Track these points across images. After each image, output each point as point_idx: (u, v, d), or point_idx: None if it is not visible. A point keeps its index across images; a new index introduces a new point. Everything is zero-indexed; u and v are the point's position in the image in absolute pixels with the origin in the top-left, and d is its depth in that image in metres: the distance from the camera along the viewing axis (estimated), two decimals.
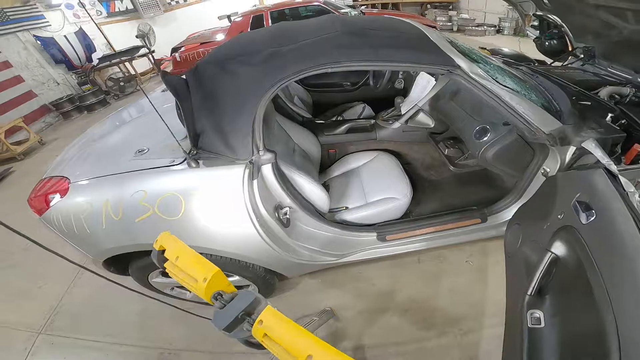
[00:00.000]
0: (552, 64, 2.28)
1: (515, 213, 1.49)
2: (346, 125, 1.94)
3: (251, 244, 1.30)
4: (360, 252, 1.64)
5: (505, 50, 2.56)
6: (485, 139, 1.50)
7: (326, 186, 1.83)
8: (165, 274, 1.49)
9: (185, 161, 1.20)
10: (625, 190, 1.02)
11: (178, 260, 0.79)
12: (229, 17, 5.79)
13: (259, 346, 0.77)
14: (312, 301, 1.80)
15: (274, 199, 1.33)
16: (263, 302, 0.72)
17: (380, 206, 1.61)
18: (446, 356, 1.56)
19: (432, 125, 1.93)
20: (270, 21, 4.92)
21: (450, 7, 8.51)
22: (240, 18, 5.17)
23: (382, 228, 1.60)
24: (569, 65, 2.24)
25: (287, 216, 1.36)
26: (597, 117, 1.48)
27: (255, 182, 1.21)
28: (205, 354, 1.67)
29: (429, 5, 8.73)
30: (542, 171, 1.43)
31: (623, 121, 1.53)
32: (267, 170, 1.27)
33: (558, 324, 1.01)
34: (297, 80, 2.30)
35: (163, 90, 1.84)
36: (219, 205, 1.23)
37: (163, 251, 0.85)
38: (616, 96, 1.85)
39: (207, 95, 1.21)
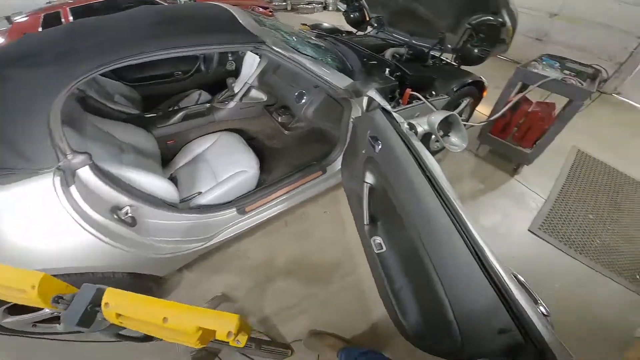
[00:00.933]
0: (357, 34, 2.75)
1: (342, 159, 1.77)
2: (180, 114, 1.90)
3: (96, 252, 1.17)
4: (226, 230, 1.67)
5: (325, 25, 2.93)
6: (303, 101, 1.72)
7: (174, 178, 1.76)
8: (12, 311, 1.25)
9: None
10: (397, 122, 1.33)
11: None
12: (7, 18, 4.67)
13: (141, 338, 0.78)
14: (200, 293, 1.75)
15: (106, 201, 1.21)
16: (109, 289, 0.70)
17: (232, 182, 1.66)
18: (340, 300, 1.76)
19: (265, 99, 2.08)
20: (71, 18, 4.15)
21: None
22: (26, 18, 4.22)
23: (239, 202, 1.66)
24: (369, 34, 2.75)
25: (130, 215, 1.26)
26: (379, 72, 1.88)
27: (73, 188, 1.07)
28: None
29: None
30: (352, 120, 1.73)
31: (398, 73, 2.00)
32: (86, 173, 1.13)
33: (392, 244, 1.26)
34: (115, 77, 2.12)
35: None
36: (34, 222, 1.04)
37: None
38: (397, 55, 2.38)
39: None
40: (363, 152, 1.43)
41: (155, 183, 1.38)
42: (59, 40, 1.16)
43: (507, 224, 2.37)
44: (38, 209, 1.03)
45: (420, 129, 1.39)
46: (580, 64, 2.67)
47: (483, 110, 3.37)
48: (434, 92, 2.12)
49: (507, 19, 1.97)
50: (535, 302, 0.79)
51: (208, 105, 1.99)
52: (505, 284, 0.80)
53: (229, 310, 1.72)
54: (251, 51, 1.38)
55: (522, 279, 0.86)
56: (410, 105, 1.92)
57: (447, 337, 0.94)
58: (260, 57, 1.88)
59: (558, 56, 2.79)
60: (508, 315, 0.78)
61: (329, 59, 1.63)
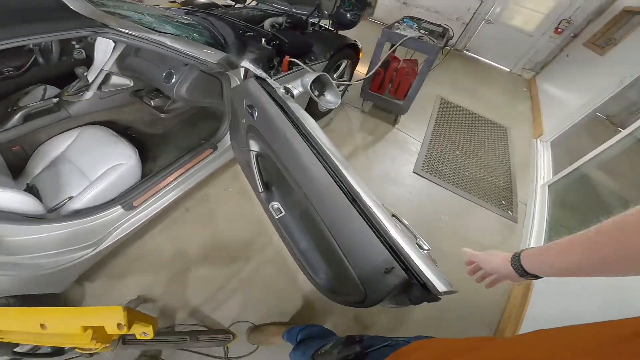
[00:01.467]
0: (236, 6, 2.62)
1: (229, 132, 1.73)
2: (20, 114, 1.56)
3: None
4: (116, 230, 1.50)
5: (200, 0, 2.70)
6: (173, 81, 1.59)
7: (32, 187, 1.48)
8: None
9: None
10: (273, 88, 1.34)
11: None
12: None
13: (50, 354, 0.76)
14: (111, 301, 1.56)
15: None
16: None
17: (108, 178, 1.47)
18: (264, 273, 1.78)
19: (132, 84, 1.86)
20: None
21: None
22: None
23: (123, 198, 1.49)
24: (247, 6, 2.65)
25: None
26: (255, 43, 1.85)
27: None
28: None
29: None
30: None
31: (276, 42, 2.00)
32: None
33: (289, 206, 1.30)
34: None
35: None
36: None
37: None
38: (275, 25, 2.37)
39: None
40: (243, 121, 1.43)
41: (5, 198, 1.14)
42: None
43: (395, 169, 2.72)
44: None
45: (295, 92, 1.44)
46: (433, 24, 3.10)
47: (362, 70, 3.67)
48: (312, 58, 2.20)
49: None
50: (415, 238, 0.90)
51: (56, 100, 1.67)
52: (383, 225, 0.87)
53: (150, 311, 1.61)
54: (91, 36, 1.19)
55: (404, 221, 0.95)
56: (291, 71, 1.96)
57: (352, 288, 0.97)
58: (115, 42, 1.64)
59: (416, 18, 3.17)
60: (390, 255, 0.84)
61: (195, 35, 1.53)
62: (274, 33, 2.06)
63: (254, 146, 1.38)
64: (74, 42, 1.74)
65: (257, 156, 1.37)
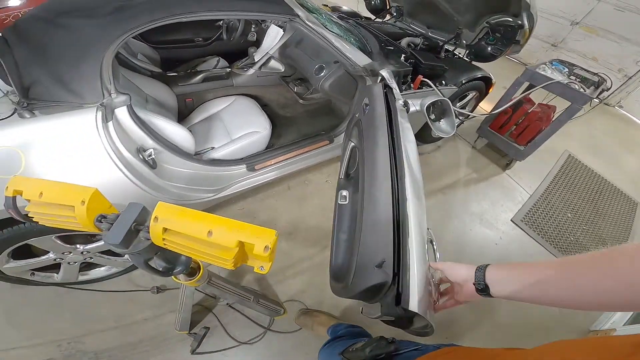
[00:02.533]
0: (375, 20, 2.78)
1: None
2: (201, 75, 1.98)
3: (119, 188, 1.24)
4: (235, 184, 1.77)
5: (344, 8, 2.96)
6: (322, 74, 1.80)
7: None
8: (17, 257, 1.34)
9: (15, 113, 1.04)
10: (394, 97, 1.42)
11: (43, 195, 0.67)
12: None
13: (162, 272, 0.76)
14: None
15: (133, 141, 1.30)
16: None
17: (244, 140, 1.75)
18: None
19: (283, 70, 2.16)
20: None
21: None
22: None
23: (250, 159, 1.77)
24: (386, 21, 2.78)
25: (153, 157, 1.35)
26: (395, 57, 1.95)
27: (110, 124, 1.16)
28: (110, 331, 1.54)
29: None
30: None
31: (412, 60, 2.06)
32: (122, 113, 1.22)
33: (353, 198, 1.35)
34: (140, 37, 2.17)
35: None
36: (72, 152, 1.12)
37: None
38: (412, 44, 2.43)
39: (36, 48, 1.09)
40: (357, 115, 1.53)
41: (176, 131, 1.46)
42: None
43: (492, 212, 2.50)
44: (78, 138, 1.12)
45: (412, 108, 1.47)
46: (587, 71, 2.72)
47: (485, 106, 3.44)
48: (444, 82, 2.18)
49: (526, 22, 2.02)
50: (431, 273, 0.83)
51: (228, 70, 2.07)
52: (408, 235, 0.87)
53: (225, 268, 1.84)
54: (285, 22, 1.45)
55: (437, 254, 0.90)
56: (420, 90, 1.99)
57: (347, 274, 1.00)
58: (284, 30, 1.94)
59: (568, 62, 2.83)
60: (392, 254, 0.86)
61: (352, 39, 1.70)
62: (412, 52, 2.11)
63: (354, 138, 1.47)
64: (253, 26, 2.11)
65: (353, 148, 1.46)
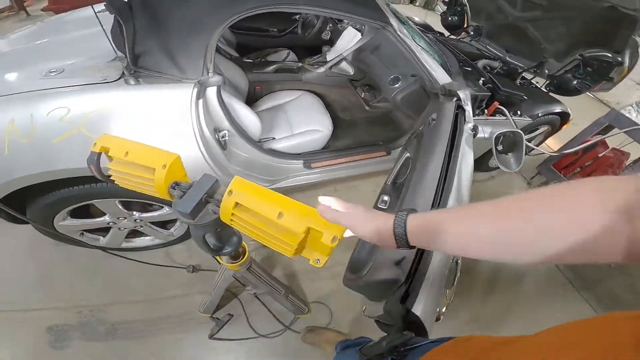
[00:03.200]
0: (449, 37, 2.66)
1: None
2: (275, 66, 1.99)
3: (191, 162, 1.25)
4: (291, 178, 1.76)
5: (416, 19, 2.86)
6: (397, 85, 1.74)
7: None
8: (75, 215, 1.41)
9: (122, 79, 1.10)
10: (464, 119, 1.36)
11: (128, 155, 0.68)
12: None
13: (213, 249, 0.77)
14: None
15: (212, 121, 1.32)
16: (222, 185, 0.68)
17: (305, 137, 1.74)
18: None
19: (352, 73, 2.12)
20: None
21: None
22: None
23: (307, 156, 1.75)
24: (461, 39, 2.65)
25: (225, 138, 1.37)
26: (474, 80, 1.84)
27: (200, 102, 1.19)
28: (136, 303, 1.56)
29: None
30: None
31: (490, 85, 1.94)
32: (211, 92, 1.25)
33: (391, 205, 1.31)
34: None
35: (99, 12, 1.56)
36: (163, 122, 1.15)
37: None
38: (488, 67, 2.30)
39: (154, 17, 1.15)
40: (421, 128, 1.48)
41: (248, 116, 1.47)
42: None
43: None
44: (172, 111, 1.15)
45: (480, 135, 1.38)
46: None
47: (550, 142, 3.18)
48: (518, 112, 2.03)
49: (627, 60, 1.82)
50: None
51: (299, 65, 2.06)
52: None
53: (261, 256, 1.80)
54: (377, 28, 1.42)
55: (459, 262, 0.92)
56: (493, 117, 1.87)
57: (363, 269, 0.97)
58: (362, 34, 1.90)
59: None
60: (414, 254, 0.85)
61: (435, 55, 1.62)
62: (491, 76, 1.98)
63: (411, 149, 1.42)
64: (330, 25, 2.10)
65: (407, 158, 1.40)
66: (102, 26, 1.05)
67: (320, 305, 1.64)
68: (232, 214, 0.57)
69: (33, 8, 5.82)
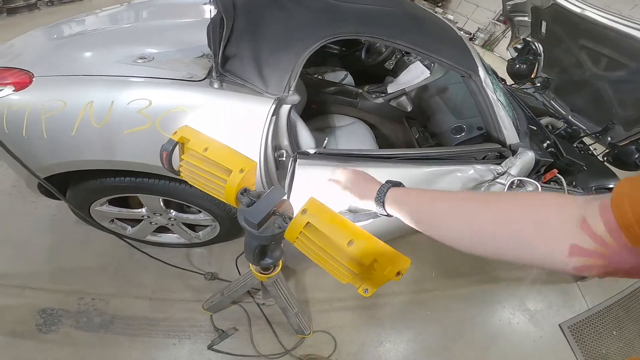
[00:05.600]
0: (512, 85, 2.45)
1: None
2: (335, 87, 1.87)
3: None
4: None
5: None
6: (459, 136, 1.61)
7: None
8: (112, 203, 1.36)
9: (207, 79, 1.04)
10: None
11: (207, 151, 0.66)
12: None
13: (257, 258, 0.73)
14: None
15: (275, 139, 1.23)
16: (289, 202, 0.67)
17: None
18: (379, 312, 1.73)
19: (409, 110, 1.98)
20: None
21: (440, 4, 8.13)
22: None
23: None
24: (524, 89, 2.44)
25: (282, 158, 1.27)
26: (539, 143, 1.68)
27: (274, 118, 1.11)
28: (142, 299, 1.49)
29: None
30: None
31: (552, 150, 1.77)
32: (284, 110, 1.16)
33: None
34: None
35: (205, 4, 1.50)
36: (235, 132, 1.09)
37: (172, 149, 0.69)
38: (550, 126, 2.10)
39: (253, 21, 1.06)
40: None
41: (306, 138, 1.36)
42: None
43: (546, 314, 2.22)
44: (247, 122, 1.07)
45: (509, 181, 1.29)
46: None
47: None
48: (574, 182, 1.85)
49: None
50: None
51: (359, 91, 1.94)
52: None
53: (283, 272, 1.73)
54: (462, 76, 1.28)
55: None
56: (548, 185, 1.71)
57: None
58: (430, 72, 1.75)
59: None
60: None
61: (510, 112, 1.47)
62: (555, 141, 1.81)
63: None
64: (397, 55, 1.95)
65: None
66: (211, 20, 1.00)
67: (326, 335, 1.58)
68: (301, 232, 0.56)
69: None
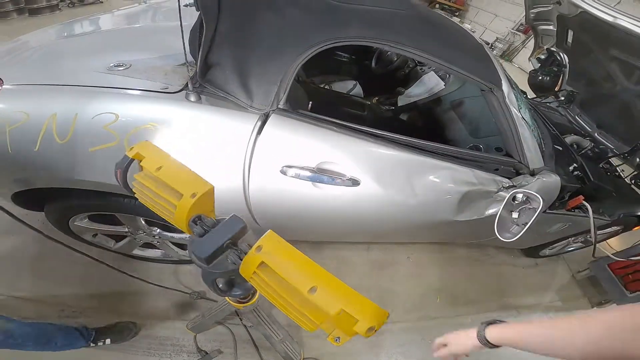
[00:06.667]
0: (533, 99, 2.25)
1: None
2: (342, 98, 1.72)
3: (225, 198, 1.02)
4: None
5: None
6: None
7: None
8: (93, 219, 1.25)
9: (183, 91, 0.91)
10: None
11: (160, 170, 0.58)
12: None
13: (221, 290, 0.65)
14: None
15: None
16: (251, 233, 0.57)
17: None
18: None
19: (420, 125, 1.81)
20: None
21: (457, 13, 7.97)
22: None
23: None
24: (547, 103, 2.23)
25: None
26: (565, 166, 1.49)
27: (259, 137, 0.95)
28: (125, 316, 1.40)
29: (437, 5, 8.02)
30: None
31: (579, 173, 1.58)
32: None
33: None
34: None
35: (186, 5, 1.38)
36: (213, 153, 0.95)
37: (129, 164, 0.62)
38: (575, 145, 1.90)
39: (239, 24, 0.92)
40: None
41: None
42: None
43: None
44: (225, 141, 0.94)
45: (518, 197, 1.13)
46: None
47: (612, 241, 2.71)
48: (600, 209, 1.65)
49: None
50: None
51: (368, 103, 1.77)
52: None
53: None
54: (482, 90, 1.11)
55: None
56: (571, 213, 1.53)
57: None
58: (445, 83, 1.58)
59: None
60: None
61: (535, 132, 1.29)
62: (582, 163, 1.62)
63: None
64: (410, 65, 1.79)
65: None
66: (180, 23, 0.85)
67: None
68: (254, 272, 0.48)
69: None
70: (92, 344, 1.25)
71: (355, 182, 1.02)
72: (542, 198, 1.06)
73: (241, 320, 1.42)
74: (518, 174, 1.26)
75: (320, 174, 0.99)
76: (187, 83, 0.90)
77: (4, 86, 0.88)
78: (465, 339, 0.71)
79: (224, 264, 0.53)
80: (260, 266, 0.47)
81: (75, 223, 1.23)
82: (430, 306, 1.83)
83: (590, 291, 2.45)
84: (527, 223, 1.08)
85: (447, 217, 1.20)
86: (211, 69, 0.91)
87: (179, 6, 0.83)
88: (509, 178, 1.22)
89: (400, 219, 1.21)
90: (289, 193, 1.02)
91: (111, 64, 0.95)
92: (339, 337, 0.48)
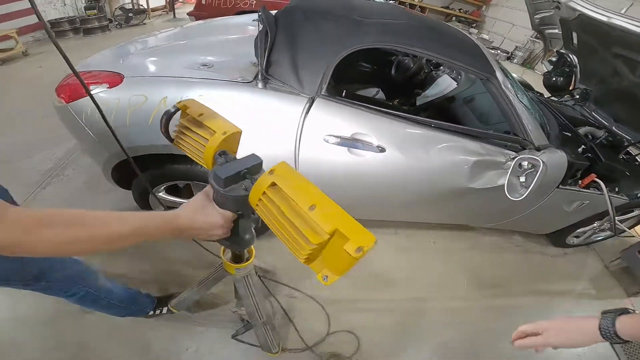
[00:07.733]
0: (549, 98, 2.38)
1: None
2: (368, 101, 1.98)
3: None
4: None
5: (514, 75, 2.61)
6: None
7: None
8: (169, 191, 1.51)
9: (254, 81, 1.25)
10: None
11: (202, 116, 0.69)
12: None
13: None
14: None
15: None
16: (265, 171, 0.59)
17: None
18: (377, 322, 1.63)
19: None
20: None
21: (474, 25, 8.10)
22: None
23: None
24: (564, 102, 2.34)
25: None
26: (573, 147, 1.63)
27: (308, 115, 1.26)
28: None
29: (454, 18, 8.27)
30: None
31: (590, 155, 1.69)
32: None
33: None
34: None
35: (254, 20, 1.72)
36: (274, 125, 1.27)
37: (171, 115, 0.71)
38: (590, 135, 2.00)
39: (290, 33, 1.31)
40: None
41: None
42: (345, 11, 1.41)
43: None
44: (283, 117, 1.25)
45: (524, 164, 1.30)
46: None
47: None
48: (616, 189, 1.73)
49: None
50: None
51: (390, 104, 2.03)
52: None
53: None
54: (480, 78, 1.34)
55: None
56: (585, 190, 1.62)
57: None
58: (457, 84, 1.81)
59: None
60: None
61: (536, 114, 1.48)
62: (592, 146, 1.73)
63: None
64: (425, 70, 2.04)
65: None
66: (258, 34, 1.26)
67: (349, 335, 1.53)
68: (264, 193, 0.52)
69: (179, 11, 6.75)
70: (151, 312, 1.32)
71: (382, 149, 1.28)
72: (543, 162, 1.22)
73: (276, 299, 1.52)
74: (525, 150, 1.43)
75: (354, 142, 1.26)
76: (255, 76, 1.25)
77: (126, 77, 1.24)
78: (575, 332, 0.57)
79: (237, 190, 0.58)
80: (270, 187, 0.51)
81: (159, 194, 1.49)
82: (458, 289, 1.89)
83: (625, 280, 2.35)
84: (531, 184, 1.23)
85: (463, 183, 1.38)
86: (272, 66, 1.27)
87: (258, 25, 1.28)
88: (516, 152, 1.40)
89: (420, 181, 1.42)
90: (330, 156, 1.30)
91: (199, 64, 1.31)
92: (327, 276, 0.49)
